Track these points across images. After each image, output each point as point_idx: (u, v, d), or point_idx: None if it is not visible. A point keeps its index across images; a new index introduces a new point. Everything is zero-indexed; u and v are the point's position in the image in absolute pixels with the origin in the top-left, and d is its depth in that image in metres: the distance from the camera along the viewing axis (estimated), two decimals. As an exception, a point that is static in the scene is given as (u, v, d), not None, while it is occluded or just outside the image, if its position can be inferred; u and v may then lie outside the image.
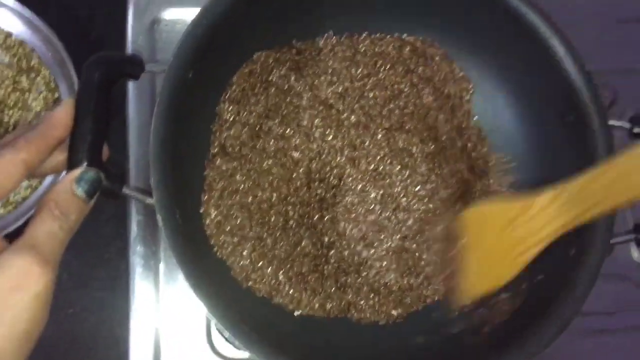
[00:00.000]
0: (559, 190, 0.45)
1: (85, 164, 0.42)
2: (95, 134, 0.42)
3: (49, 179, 0.60)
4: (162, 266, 0.60)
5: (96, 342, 0.62)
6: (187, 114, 0.47)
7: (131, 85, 0.61)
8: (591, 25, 0.69)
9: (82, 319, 0.62)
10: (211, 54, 0.49)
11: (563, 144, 0.54)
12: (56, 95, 0.61)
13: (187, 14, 0.62)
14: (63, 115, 0.41)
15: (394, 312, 0.54)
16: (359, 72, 0.57)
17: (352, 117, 0.56)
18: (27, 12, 0.60)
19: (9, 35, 0.62)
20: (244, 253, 0.52)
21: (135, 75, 0.46)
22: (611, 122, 0.52)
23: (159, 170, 0.45)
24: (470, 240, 0.49)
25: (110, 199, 0.42)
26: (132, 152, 0.59)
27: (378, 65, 0.57)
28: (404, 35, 0.59)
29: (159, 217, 0.44)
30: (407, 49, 0.59)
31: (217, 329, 0.59)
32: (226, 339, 0.59)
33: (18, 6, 0.60)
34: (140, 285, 0.59)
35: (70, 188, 0.39)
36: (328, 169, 0.55)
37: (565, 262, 0.51)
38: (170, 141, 0.45)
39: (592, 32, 0.67)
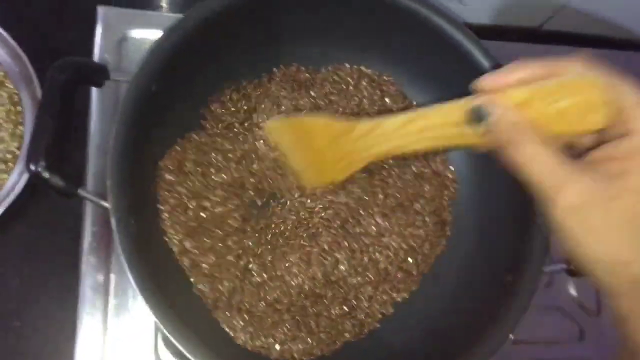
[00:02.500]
0: (375, 123, 0.51)
1: (43, 163, 0.43)
2: (56, 134, 0.43)
3: (3, 192, 0.60)
4: (112, 277, 0.60)
5: (42, 358, 0.60)
6: (148, 124, 0.49)
7: (94, 94, 0.62)
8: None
9: (29, 333, 0.61)
10: (174, 70, 0.51)
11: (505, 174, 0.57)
12: (18, 108, 0.62)
13: (154, 35, 0.64)
14: None
15: None
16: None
17: None
18: None
19: None
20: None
21: (99, 82, 0.48)
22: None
23: (116, 174, 0.46)
24: (293, 144, 0.56)
25: (64, 198, 0.43)
26: (91, 159, 0.60)
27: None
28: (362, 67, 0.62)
29: (112, 221, 0.45)
30: (365, 80, 0.62)
31: (164, 344, 0.59)
32: (173, 355, 0.59)
33: None
34: (90, 296, 0.59)
35: None
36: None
37: (502, 288, 0.53)
38: (129, 147, 0.47)
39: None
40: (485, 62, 0.55)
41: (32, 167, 0.43)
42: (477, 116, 0.42)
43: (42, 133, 0.43)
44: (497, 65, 0.56)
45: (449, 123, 0.45)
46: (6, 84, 0.63)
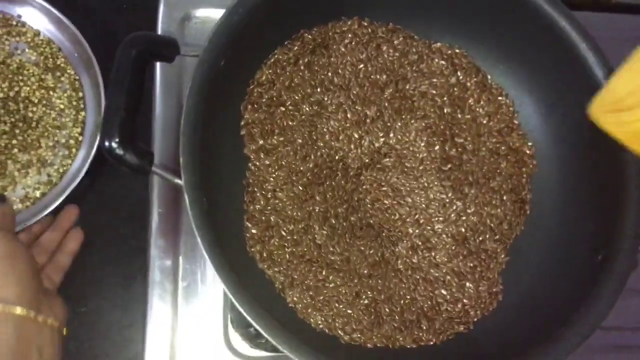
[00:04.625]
0: None
1: (117, 139, 0.42)
2: (128, 110, 0.42)
3: (67, 178, 0.60)
4: (181, 260, 0.59)
5: (107, 343, 0.61)
6: (218, 99, 0.48)
7: (159, 71, 0.61)
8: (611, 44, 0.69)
9: (94, 319, 0.61)
10: (243, 42, 0.49)
11: (590, 151, 0.54)
12: (80, 94, 0.62)
13: (216, 13, 0.63)
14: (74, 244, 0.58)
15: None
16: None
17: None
18: (55, 11, 0.61)
19: (37, 33, 0.63)
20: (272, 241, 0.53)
21: (170, 57, 0.47)
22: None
23: (188, 152, 0.45)
24: None
25: (139, 175, 0.42)
26: (156, 136, 0.60)
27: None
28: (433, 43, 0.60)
29: (186, 197, 0.44)
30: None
31: (233, 327, 0.58)
32: (242, 338, 0.58)
33: (47, 5, 0.61)
34: (159, 280, 0.58)
35: None
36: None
37: (592, 268, 0.50)
38: (200, 123, 0.46)
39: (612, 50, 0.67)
40: (570, 30, 0.52)
41: (107, 144, 0.42)
42: None
43: (115, 109, 0.42)
44: (583, 32, 0.52)
45: None
46: (68, 70, 0.63)
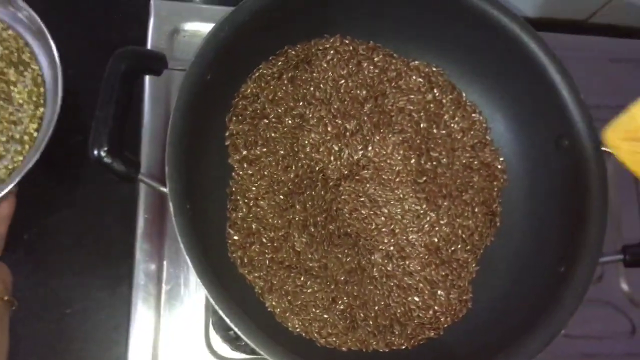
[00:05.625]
0: None
1: (105, 148, 0.44)
2: (116, 120, 0.44)
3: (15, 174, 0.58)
4: (165, 264, 0.61)
5: (92, 344, 0.62)
6: (204, 111, 0.50)
7: (147, 83, 0.63)
8: (586, 64, 0.72)
9: (79, 320, 0.62)
10: (229, 57, 0.52)
11: (556, 167, 0.57)
12: (42, 89, 0.61)
13: (206, 27, 0.65)
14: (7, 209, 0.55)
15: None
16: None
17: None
18: (28, 9, 0.60)
19: (5, 28, 0.62)
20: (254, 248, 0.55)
21: (158, 70, 0.49)
22: (604, 149, 0.55)
23: (174, 161, 0.47)
24: None
25: (125, 182, 0.44)
26: (144, 145, 0.62)
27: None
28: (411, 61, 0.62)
29: (171, 205, 0.46)
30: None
31: (214, 330, 0.60)
32: (223, 340, 0.60)
33: (23, 5, 0.60)
34: (144, 283, 0.60)
35: None
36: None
37: (555, 279, 0.53)
38: (186, 134, 0.48)
39: (586, 69, 0.70)
40: (539, 53, 0.55)
41: (95, 153, 0.44)
42: None
43: (104, 119, 0.44)
44: (551, 55, 0.55)
45: None
46: (32, 65, 0.62)
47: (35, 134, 0.60)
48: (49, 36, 0.60)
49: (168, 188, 0.46)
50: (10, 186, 0.56)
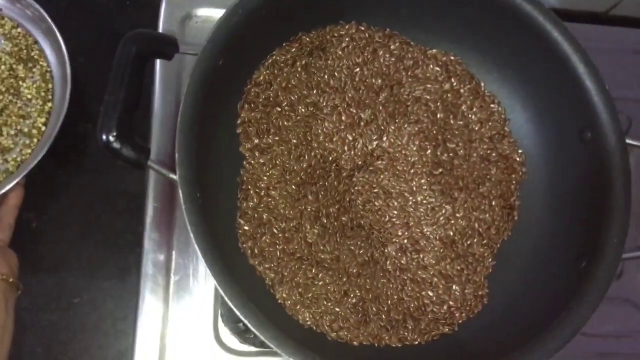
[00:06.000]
0: None
1: (114, 133, 0.43)
2: (126, 104, 0.43)
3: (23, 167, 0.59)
4: (174, 254, 0.60)
5: (100, 334, 0.62)
6: (216, 97, 0.49)
7: (158, 68, 0.62)
8: (608, 55, 0.71)
9: (87, 310, 0.62)
10: (242, 42, 0.51)
11: (578, 160, 0.55)
12: (50, 85, 0.63)
13: (217, 13, 0.64)
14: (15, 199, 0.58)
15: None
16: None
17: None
18: (37, 7, 0.61)
19: (15, 26, 0.64)
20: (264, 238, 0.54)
21: (169, 54, 0.48)
22: (628, 141, 0.53)
23: (184, 148, 0.46)
24: None
25: (134, 169, 0.43)
26: (154, 131, 0.61)
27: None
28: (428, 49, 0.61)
29: (180, 193, 0.45)
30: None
31: (223, 322, 0.59)
32: (231, 332, 0.59)
33: (31, 2, 0.61)
34: (152, 273, 0.59)
35: None
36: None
37: (576, 275, 0.51)
38: (197, 121, 0.47)
39: (609, 61, 0.68)
40: (563, 42, 0.53)
41: (104, 137, 0.43)
42: None
43: (114, 104, 0.43)
44: (575, 44, 0.54)
45: None
46: (40, 62, 0.63)
47: (43, 128, 0.62)
48: (58, 34, 0.61)
49: (178, 175, 0.45)
50: (18, 178, 0.57)
